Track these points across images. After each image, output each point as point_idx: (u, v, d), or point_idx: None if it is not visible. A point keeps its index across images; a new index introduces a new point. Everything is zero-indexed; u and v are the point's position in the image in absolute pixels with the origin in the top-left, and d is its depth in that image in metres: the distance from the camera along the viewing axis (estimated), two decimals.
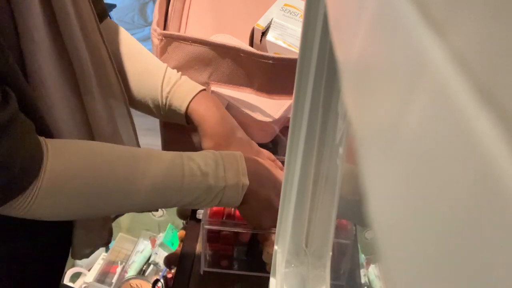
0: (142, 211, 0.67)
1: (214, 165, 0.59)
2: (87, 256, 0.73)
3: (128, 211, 0.70)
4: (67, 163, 0.51)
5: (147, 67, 0.72)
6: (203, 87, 0.71)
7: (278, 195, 0.63)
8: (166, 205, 0.60)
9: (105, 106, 0.63)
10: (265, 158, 0.71)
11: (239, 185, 0.60)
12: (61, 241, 0.70)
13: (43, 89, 0.53)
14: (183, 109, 0.69)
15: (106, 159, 0.55)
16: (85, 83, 0.58)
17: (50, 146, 0.51)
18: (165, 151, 0.59)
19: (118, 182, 0.54)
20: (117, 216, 0.79)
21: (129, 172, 0.55)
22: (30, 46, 0.50)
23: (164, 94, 0.70)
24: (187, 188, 0.57)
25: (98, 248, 0.74)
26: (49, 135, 0.54)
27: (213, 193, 0.59)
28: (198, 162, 0.58)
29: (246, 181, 0.60)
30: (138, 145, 0.75)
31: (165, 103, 0.70)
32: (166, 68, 0.72)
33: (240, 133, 0.72)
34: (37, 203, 0.49)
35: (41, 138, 0.51)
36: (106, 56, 0.63)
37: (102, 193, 0.54)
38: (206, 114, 0.69)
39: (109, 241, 0.76)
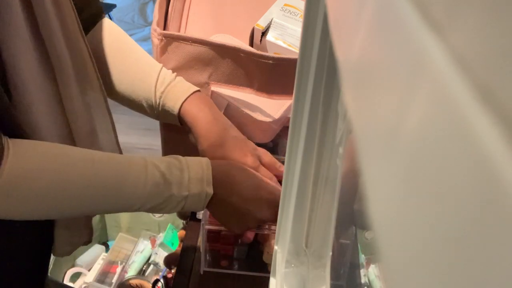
0: (108, 213, 0.67)
1: (179, 174, 0.59)
2: (68, 254, 0.73)
3: (91, 214, 0.70)
4: (27, 164, 0.51)
5: (142, 67, 0.72)
6: (197, 88, 0.71)
7: (255, 199, 0.64)
8: (127, 210, 0.60)
9: (84, 105, 0.64)
10: (255, 160, 0.71)
11: (202, 194, 0.60)
12: (43, 239, 0.70)
13: (22, 87, 0.53)
14: (176, 110, 0.69)
15: (68, 161, 0.55)
16: (64, 82, 0.58)
17: (12, 145, 0.51)
18: (132, 156, 0.60)
19: (77, 185, 0.54)
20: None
21: (88, 176, 0.55)
22: (7, 40, 0.50)
23: (158, 94, 0.70)
24: (148, 196, 0.58)
25: (79, 246, 0.75)
26: (25, 134, 0.54)
27: (175, 201, 0.59)
28: (162, 170, 0.58)
29: (210, 190, 0.61)
30: (118, 144, 0.75)
31: (159, 103, 0.70)
32: (161, 68, 0.72)
33: (235, 132, 0.72)
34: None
35: (4, 138, 0.50)
36: (86, 55, 0.63)
37: (62, 196, 0.54)
38: (199, 116, 0.69)
39: (90, 240, 0.76)
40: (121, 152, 0.75)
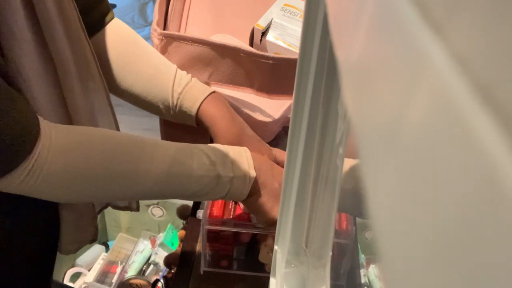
0: (152, 199, 0.68)
1: (222, 156, 0.60)
2: (74, 251, 0.73)
3: (137, 198, 0.70)
4: (72, 143, 0.52)
5: (158, 68, 0.72)
6: (213, 89, 0.72)
7: None
8: (175, 193, 0.60)
9: (87, 105, 0.64)
10: (273, 157, 0.72)
11: (246, 176, 0.60)
12: (49, 237, 0.70)
13: (26, 89, 0.53)
14: (194, 110, 0.69)
15: (113, 141, 0.55)
16: (67, 82, 0.59)
17: (53, 126, 0.52)
18: (172, 142, 0.60)
19: (125, 164, 0.55)
20: (100, 210, 0.79)
21: (136, 155, 0.55)
22: (10, 41, 0.50)
23: (176, 95, 0.70)
24: (196, 175, 0.57)
25: (84, 244, 0.75)
26: None
27: (222, 182, 0.59)
28: (206, 152, 0.59)
29: (253, 173, 0.61)
30: None
31: (176, 104, 0.70)
32: (176, 69, 0.72)
33: (251, 132, 0.73)
34: (42, 178, 0.49)
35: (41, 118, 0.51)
36: (90, 55, 0.63)
37: (108, 175, 0.54)
38: (217, 115, 0.69)
39: (95, 238, 0.76)
40: None
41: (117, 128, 0.73)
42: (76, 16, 0.59)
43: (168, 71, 0.71)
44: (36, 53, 0.53)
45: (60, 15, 0.55)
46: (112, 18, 0.73)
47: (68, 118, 0.60)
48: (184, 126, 0.74)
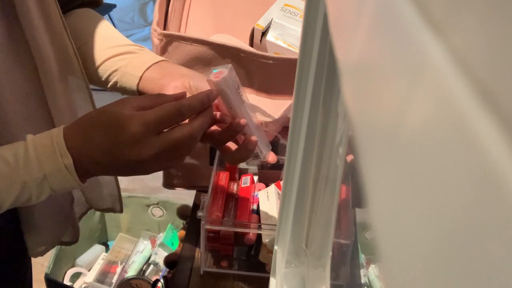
0: None
1: (25, 157, 0.51)
2: (42, 254, 0.72)
3: None
4: None
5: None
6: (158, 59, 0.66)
7: (119, 146, 0.51)
8: None
9: (69, 103, 0.63)
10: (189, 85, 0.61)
11: (61, 168, 0.51)
12: (16, 242, 0.69)
13: None
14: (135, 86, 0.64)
15: None
16: (47, 80, 0.58)
17: None
18: None
19: None
20: (82, 214, 0.78)
21: None
22: None
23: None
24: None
25: (53, 247, 0.73)
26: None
27: (32, 186, 0.51)
28: (6, 158, 0.51)
29: (68, 160, 0.51)
30: None
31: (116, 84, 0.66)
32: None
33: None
34: None
35: None
36: (72, 52, 0.61)
37: None
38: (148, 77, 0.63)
39: (73, 241, 0.76)
40: None
41: None
42: (58, 13, 0.58)
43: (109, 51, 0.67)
44: (11, 53, 0.53)
45: (41, 12, 0.55)
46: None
47: (49, 117, 0.60)
48: None
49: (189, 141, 0.53)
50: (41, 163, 0.51)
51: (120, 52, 0.66)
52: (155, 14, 0.79)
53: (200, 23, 0.87)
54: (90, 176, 0.55)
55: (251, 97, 0.79)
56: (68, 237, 0.75)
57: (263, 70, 0.74)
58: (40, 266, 1.54)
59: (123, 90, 0.66)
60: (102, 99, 0.72)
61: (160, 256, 1.61)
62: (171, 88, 0.60)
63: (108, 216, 1.72)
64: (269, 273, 0.60)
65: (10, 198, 0.51)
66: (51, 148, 0.51)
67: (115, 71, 0.65)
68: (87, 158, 0.52)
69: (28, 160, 0.51)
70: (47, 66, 0.57)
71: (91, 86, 0.68)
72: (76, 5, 0.69)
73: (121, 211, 0.80)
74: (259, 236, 0.78)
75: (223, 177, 0.88)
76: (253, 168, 0.94)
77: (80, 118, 0.55)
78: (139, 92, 0.63)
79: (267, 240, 0.76)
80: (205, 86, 0.58)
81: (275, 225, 0.73)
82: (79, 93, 0.66)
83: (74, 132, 0.53)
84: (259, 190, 0.85)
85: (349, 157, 0.62)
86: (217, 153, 0.88)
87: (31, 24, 0.54)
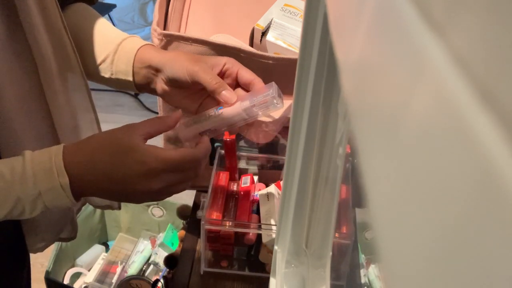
0: None
1: (20, 173, 0.52)
2: (41, 250, 0.72)
3: None
4: None
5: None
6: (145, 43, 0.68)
7: (125, 174, 0.53)
8: None
9: (68, 100, 0.63)
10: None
11: (56, 187, 0.52)
12: (16, 237, 0.69)
13: None
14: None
15: None
16: (47, 79, 0.58)
17: None
18: None
19: None
20: (78, 210, 0.78)
21: None
22: None
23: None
24: None
25: (53, 243, 0.73)
26: None
27: (27, 203, 0.52)
28: (3, 172, 0.51)
29: (64, 180, 0.52)
30: None
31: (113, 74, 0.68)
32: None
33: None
34: None
35: None
36: (71, 51, 0.62)
37: None
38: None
39: (72, 237, 0.76)
40: None
41: (98, 125, 0.72)
42: (58, 12, 0.59)
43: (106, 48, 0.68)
44: (11, 51, 0.53)
45: (41, 11, 0.55)
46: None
47: (48, 115, 0.60)
48: None
49: (196, 174, 0.57)
50: (37, 181, 0.52)
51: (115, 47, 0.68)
52: (155, 14, 0.79)
53: (200, 23, 0.87)
54: (85, 196, 0.56)
55: None
56: (67, 233, 0.75)
57: (263, 70, 0.74)
58: (40, 266, 1.54)
59: (118, 69, 0.67)
60: (102, 99, 0.72)
61: (160, 256, 1.61)
62: (223, 62, 0.63)
63: (108, 216, 1.72)
64: (269, 273, 0.60)
65: (3, 212, 0.51)
66: (48, 166, 0.52)
67: (111, 61, 0.67)
68: (88, 182, 0.53)
69: (25, 177, 0.51)
70: (46, 64, 0.58)
71: (91, 87, 0.68)
72: (73, 0, 0.69)
73: (119, 208, 0.81)
74: (259, 236, 0.78)
75: (223, 177, 0.88)
76: (253, 168, 0.94)
77: (85, 140, 0.56)
78: (134, 61, 0.65)
79: (267, 240, 0.76)
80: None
81: (275, 225, 0.73)
82: (78, 91, 0.66)
83: (77, 153, 0.54)
84: (259, 190, 0.85)
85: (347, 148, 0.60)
86: (217, 153, 0.88)
87: (31, 23, 0.54)
